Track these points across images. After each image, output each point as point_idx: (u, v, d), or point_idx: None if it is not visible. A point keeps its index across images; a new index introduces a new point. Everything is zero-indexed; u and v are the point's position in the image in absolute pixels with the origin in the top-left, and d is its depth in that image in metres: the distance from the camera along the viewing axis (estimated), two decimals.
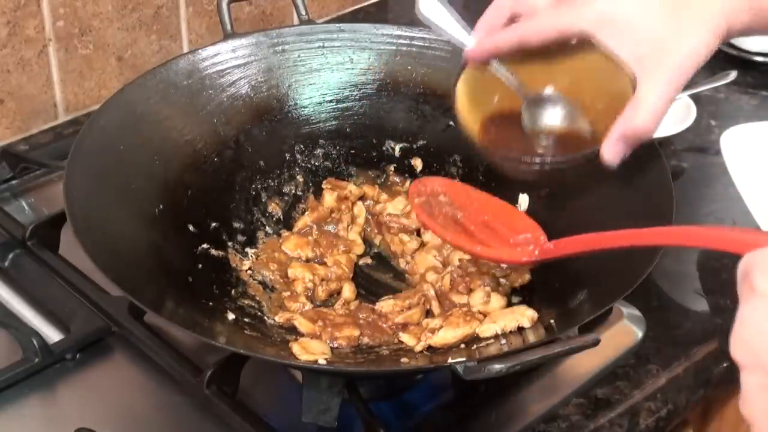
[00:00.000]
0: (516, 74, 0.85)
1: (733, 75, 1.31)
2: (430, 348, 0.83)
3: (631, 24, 0.78)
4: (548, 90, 0.85)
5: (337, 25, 1.04)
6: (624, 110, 0.79)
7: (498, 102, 0.87)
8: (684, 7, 0.77)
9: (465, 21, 0.86)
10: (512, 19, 0.84)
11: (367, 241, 0.99)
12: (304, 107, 1.02)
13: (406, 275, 0.95)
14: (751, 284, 0.53)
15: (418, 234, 0.98)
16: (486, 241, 0.80)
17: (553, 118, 0.86)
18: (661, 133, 1.18)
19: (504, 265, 0.89)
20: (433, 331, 0.84)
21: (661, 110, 0.78)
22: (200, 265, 0.89)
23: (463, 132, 0.87)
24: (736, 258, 0.98)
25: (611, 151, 0.80)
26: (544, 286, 0.89)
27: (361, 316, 0.88)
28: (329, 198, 0.99)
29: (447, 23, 0.86)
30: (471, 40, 0.85)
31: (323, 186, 1.01)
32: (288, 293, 0.91)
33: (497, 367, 0.69)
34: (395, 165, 1.03)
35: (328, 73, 1.03)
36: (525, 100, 0.85)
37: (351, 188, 1.00)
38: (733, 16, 0.77)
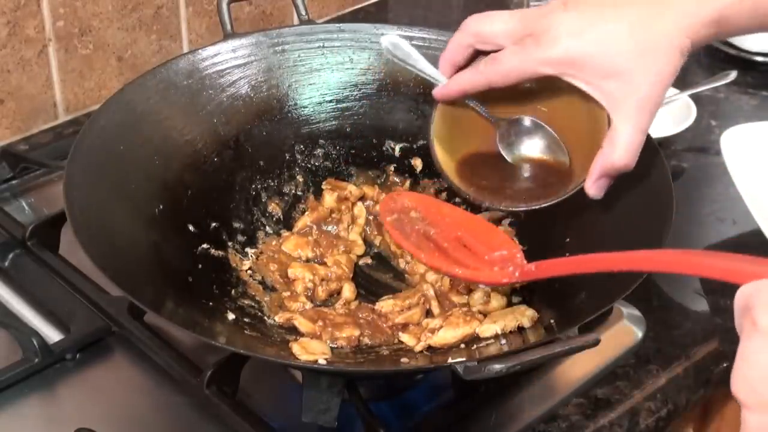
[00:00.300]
0: (489, 108, 0.86)
1: (733, 75, 1.31)
2: (430, 348, 0.83)
3: (595, 61, 0.77)
4: (526, 119, 0.86)
5: (337, 25, 1.04)
6: (602, 146, 0.79)
7: (474, 140, 0.88)
8: (645, 35, 0.77)
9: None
10: (475, 55, 0.84)
11: (367, 242, 0.99)
12: (304, 107, 1.02)
13: (406, 275, 0.95)
14: (754, 320, 0.51)
15: None
16: (461, 259, 0.79)
17: (531, 148, 0.86)
18: (661, 133, 1.18)
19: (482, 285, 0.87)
20: (433, 331, 0.84)
21: (638, 142, 0.79)
22: (200, 265, 0.89)
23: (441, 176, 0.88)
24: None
25: (595, 187, 0.81)
26: (544, 286, 0.89)
27: (361, 315, 0.88)
28: (329, 198, 0.99)
29: (414, 60, 0.88)
30: (440, 77, 0.86)
31: (323, 186, 1.01)
32: (288, 293, 0.91)
33: (497, 367, 0.69)
34: (395, 165, 1.03)
35: (328, 73, 1.03)
36: (499, 131, 0.86)
37: (351, 189, 1.00)
38: (694, 31, 0.77)
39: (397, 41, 0.88)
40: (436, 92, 0.86)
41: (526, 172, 0.87)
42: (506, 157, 0.87)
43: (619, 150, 0.78)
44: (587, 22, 0.78)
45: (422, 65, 0.87)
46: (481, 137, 0.87)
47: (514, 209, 0.86)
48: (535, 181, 0.86)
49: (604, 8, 0.78)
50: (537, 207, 0.84)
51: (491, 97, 0.85)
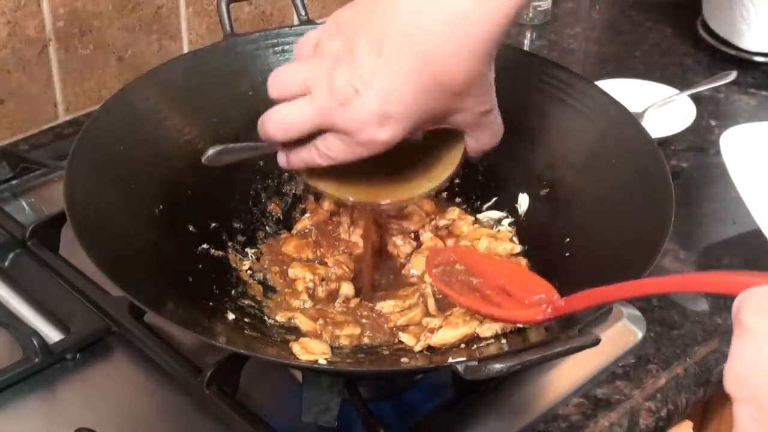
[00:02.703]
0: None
1: (733, 75, 1.31)
2: (429, 348, 0.83)
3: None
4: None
5: None
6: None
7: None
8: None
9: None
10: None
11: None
12: None
13: (406, 276, 0.95)
14: (741, 322, 0.55)
15: (416, 236, 0.98)
16: (502, 303, 0.81)
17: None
18: (661, 133, 1.18)
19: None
20: (432, 331, 0.84)
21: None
22: (200, 265, 0.89)
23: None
24: (735, 257, 0.98)
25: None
26: None
27: (360, 315, 0.88)
28: (329, 200, 0.99)
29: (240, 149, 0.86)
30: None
31: None
32: (289, 290, 0.91)
33: (497, 366, 0.69)
34: None
35: None
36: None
37: None
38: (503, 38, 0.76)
39: (217, 150, 0.84)
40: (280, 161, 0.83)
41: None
42: None
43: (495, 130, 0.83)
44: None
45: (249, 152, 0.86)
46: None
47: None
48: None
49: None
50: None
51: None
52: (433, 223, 0.99)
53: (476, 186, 1.00)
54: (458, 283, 0.84)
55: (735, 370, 0.56)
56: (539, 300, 0.79)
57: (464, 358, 0.71)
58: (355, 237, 0.98)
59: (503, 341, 0.81)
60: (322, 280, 0.92)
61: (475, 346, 0.82)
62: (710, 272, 0.65)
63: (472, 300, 0.82)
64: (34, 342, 0.87)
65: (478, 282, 0.84)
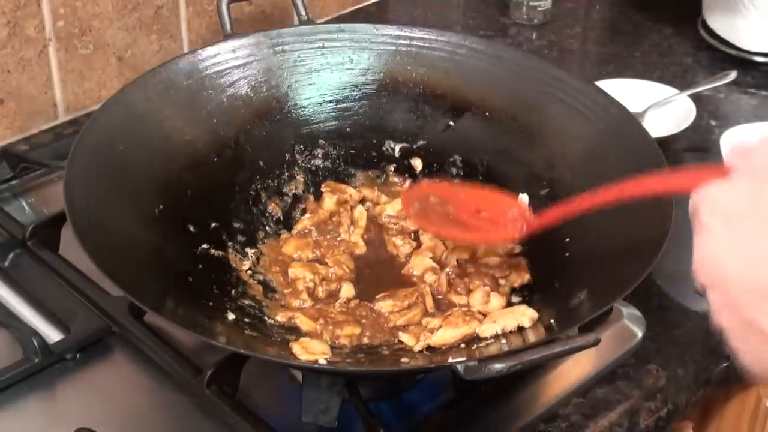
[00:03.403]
0: None
1: (733, 75, 1.31)
2: (429, 348, 0.83)
3: None
4: None
5: (337, 25, 1.04)
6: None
7: None
8: None
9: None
10: None
11: (368, 242, 0.99)
12: (304, 107, 1.02)
13: (406, 276, 0.95)
14: (700, 220, 0.64)
15: (416, 236, 0.98)
16: (481, 227, 0.86)
17: None
18: (661, 133, 1.18)
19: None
20: (432, 330, 0.84)
21: None
22: (200, 265, 0.89)
23: None
24: None
25: None
26: (544, 286, 0.89)
27: (360, 315, 0.88)
28: (329, 201, 0.99)
29: None
30: None
31: (322, 189, 1.01)
32: (289, 290, 0.91)
33: (497, 366, 0.69)
34: (395, 165, 1.03)
35: (328, 73, 1.03)
36: None
37: (351, 192, 1.00)
38: None
39: None
40: None
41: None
42: None
43: None
44: None
45: None
46: None
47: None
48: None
49: None
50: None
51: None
52: None
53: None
54: (435, 216, 0.89)
55: (701, 262, 0.64)
56: (513, 216, 0.85)
57: (464, 358, 0.71)
58: (355, 237, 0.98)
59: (503, 341, 0.82)
60: (323, 279, 0.92)
61: (475, 346, 0.82)
62: (664, 173, 0.76)
63: (451, 231, 0.87)
64: (34, 342, 0.87)
65: (454, 210, 0.88)
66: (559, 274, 0.88)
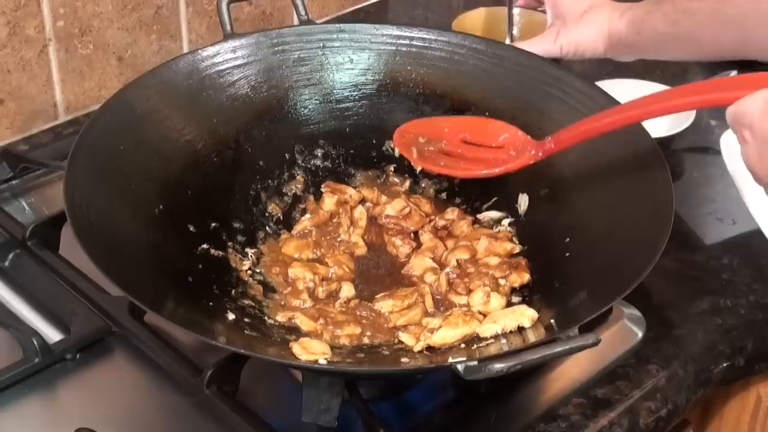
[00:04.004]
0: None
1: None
2: (429, 348, 0.83)
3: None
4: None
5: (337, 25, 1.04)
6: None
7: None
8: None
9: None
10: None
11: (368, 243, 0.99)
12: (304, 107, 1.02)
13: (406, 276, 0.95)
14: (743, 136, 0.77)
15: (416, 236, 0.98)
16: (480, 156, 0.89)
17: None
18: (661, 133, 1.18)
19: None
20: (432, 330, 0.84)
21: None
22: (200, 265, 0.89)
23: None
24: (735, 256, 0.97)
25: None
26: (544, 286, 0.89)
27: (360, 314, 0.88)
28: (329, 201, 0.99)
29: None
30: None
31: (322, 189, 1.01)
32: (289, 290, 0.91)
33: (498, 366, 0.69)
34: (395, 165, 1.03)
35: (328, 73, 1.03)
36: None
37: (350, 192, 1.00)
38: (613, 24, 1.08)
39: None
40: None
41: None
42: None
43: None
44: None
45: None
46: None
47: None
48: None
49: None
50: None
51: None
52: (432, 223, 0.99)
53: (476, 186, 1.00)
54: (432, 155, 0.91)
55: (756, 162, 0.78)
56: (505, 140, 0.88)
57: (464, 358, 0.71)
58: (355, 237, 0.98)
59: (503, 341, 0.81)
60: (323, 279, 0.92)
61: (475, 346, 0.82)
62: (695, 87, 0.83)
63: (463, 168, 0.89)
64: (34, 342, 0.87)
65: (446, 144, 0.90)
66: (559, 274, 0.88)
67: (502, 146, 0.89)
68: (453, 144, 0.91)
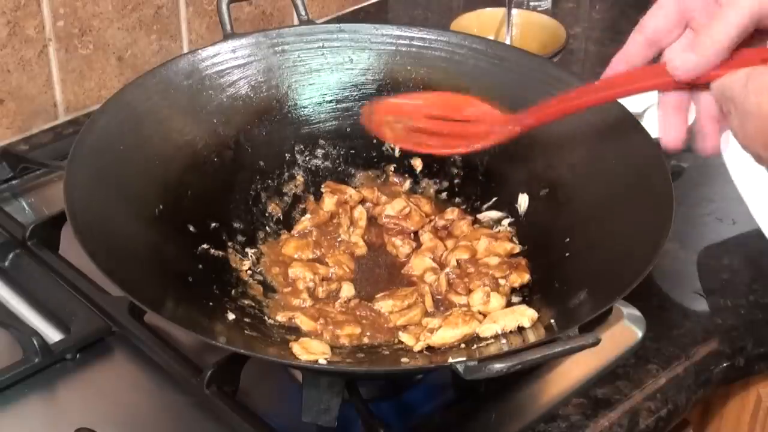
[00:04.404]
0: None
1: None
2: (429, 348, 0.83)
3: None
4: None
5: (337, 25, 1.04)
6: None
7: None
8: None
9: None
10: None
11: (368, 243, 0.99)
12: (304, 107, 1.02)
13: (405, 276, 0.95)
14: (729, 110, 0.77)
15: (416, 236, 0.98)
16: (455, 131, 0.87)
17: None
18: None
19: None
20: (432, 331, 0.84)
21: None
22: (200, 265, 0.89)
23: None
24: (735, 256, 0.97)
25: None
26: (544, 286, 0.89)
27: (360, 314, 0.88)
28: (329, 201, 0.99)
29: None
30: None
31: (322, 189, 1.01)
32: (289, 290, 0.91)
33: (498, 366, 0.69)
34: (395, 165, 1.03)
35: (328, 73, 1.03)
36: None
37: (351, 193, 1.00)
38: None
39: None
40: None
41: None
42: None
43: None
44: None
45: None
46: None
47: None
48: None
49: None
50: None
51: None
52: (432, 223, 0.99)
53: (476, 186, 1.00)
54: (405, 132, 0.88)
55: (747, 134, 0.77)
56: (474, 114, 0.86)
57: (464, 358, 0.71)
58: (355, 237, 0.98)
59: (503, 341, 0.82)
60: (323, 279, 0.92)
61: (475, 346, 0.82)
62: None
63: (439, 144, 0.87)
64: (34, 342, 0.87)
65: (423, 122, 0.88)
66: (559, 274, 0.88)
67: (469, 120, 0.88)
68: (420, 120, 0.89)
